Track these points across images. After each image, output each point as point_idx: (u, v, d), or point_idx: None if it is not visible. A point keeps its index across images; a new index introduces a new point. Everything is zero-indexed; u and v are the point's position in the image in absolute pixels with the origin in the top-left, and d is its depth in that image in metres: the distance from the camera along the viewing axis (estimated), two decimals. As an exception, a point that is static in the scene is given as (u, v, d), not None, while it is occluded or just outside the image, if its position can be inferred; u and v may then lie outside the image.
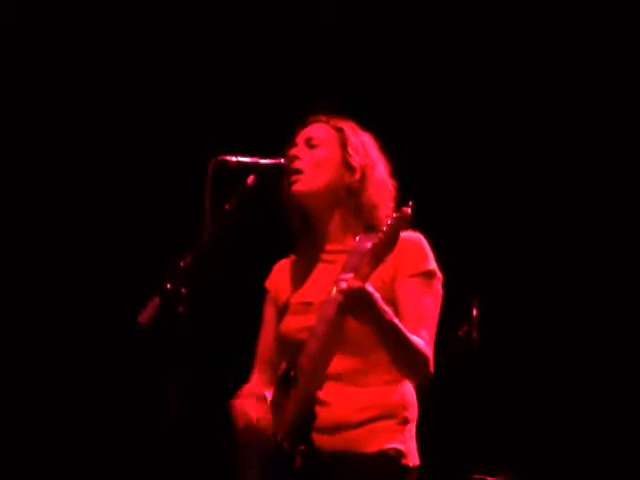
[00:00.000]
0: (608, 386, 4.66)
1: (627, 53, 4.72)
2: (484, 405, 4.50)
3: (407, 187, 2.97)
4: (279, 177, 2.88)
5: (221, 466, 2.89)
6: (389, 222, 2.53)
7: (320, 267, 2.91)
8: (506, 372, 4.67)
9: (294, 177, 2.87)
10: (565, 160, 4.80)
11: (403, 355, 2.68)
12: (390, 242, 2.53)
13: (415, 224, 2.84)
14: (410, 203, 2.55)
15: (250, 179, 2.79)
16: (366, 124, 3.04)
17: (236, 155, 2.78)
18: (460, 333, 4.22)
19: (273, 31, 4.93)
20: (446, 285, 2.88)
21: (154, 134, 4.99)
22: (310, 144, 2.92)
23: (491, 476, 4.22)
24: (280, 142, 2.99)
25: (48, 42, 5.03)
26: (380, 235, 2.54)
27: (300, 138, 2.95)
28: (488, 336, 4.35)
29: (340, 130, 2.94)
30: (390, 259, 2.66)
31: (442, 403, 4.46)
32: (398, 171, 3.00)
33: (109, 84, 5.05)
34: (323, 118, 2.98)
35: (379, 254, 2.54)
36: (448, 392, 4.46)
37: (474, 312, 4.25)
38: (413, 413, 2.84)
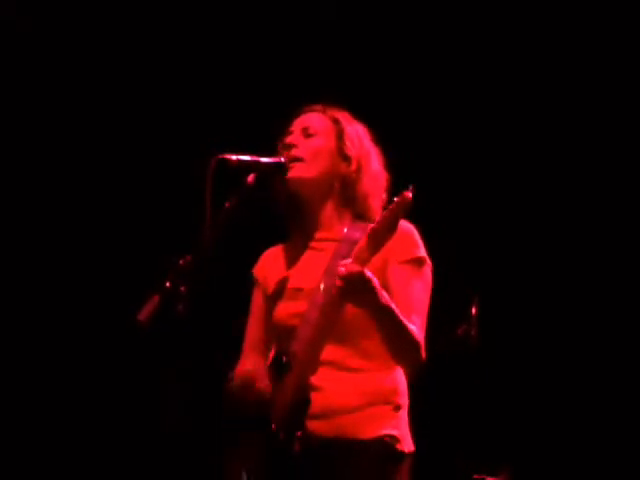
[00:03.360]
0: (607, 386, 4.66)
1: (627, 53, 4.72)
2: (483, 404, 4.50)
3: (406, 186, 2.97)
4: (279, 175, 2.89)
5: (219, 466, 2.88)
6: (390, 206, 2.53)
7: (309, 254, 2.93)
8: (505, 371, 4.67)
9: (291, 164, 2.88)
10: (564, 159, 4.81)
11: (398, 339, 2.68)
12: (390, 227, 2.54)
13: (415, 223, 2.87)
14: (410, 187, 2.54)
15: (250, 177, 2.80)
16: (366, 123, 3.05)
17: (236, 153, 2.78)
18: (459, 332, 4.22)
19: (274, 30, 4.93)
20: (446, 284, 2.88)
21: (154, 133, 4.99)
22: (306, 133, 2.93)
23: (491, 475, 4.22)
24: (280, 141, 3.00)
25: (48, 42, 5.02)
26: (380, 219, 2.54)
27: (296, 126, 2.96)
28: (487, 335, 4.35)
29: (336, 120, 2.96)
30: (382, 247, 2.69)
31: (441, 402, 4.47)
32: (398, 171, 3.00)
33: (109, 84, 5.05)
34: (319, 107, 2.99)
35: (378, 239, 2.55)
36: (447, 391, 4.47)
37: (473, 311, 4.25)
38: (405, 399, 2.85)
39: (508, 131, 4.83)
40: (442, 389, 4.44)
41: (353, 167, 2.91)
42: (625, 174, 4.76)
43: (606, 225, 4.75)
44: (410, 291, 2.77)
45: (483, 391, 4.48)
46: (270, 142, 3.00)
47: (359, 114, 3.04)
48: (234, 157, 2.77)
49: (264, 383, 2.74)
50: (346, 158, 2.92)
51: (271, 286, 2.94)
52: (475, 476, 4.23)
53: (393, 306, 2.64)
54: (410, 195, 2.52)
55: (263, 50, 4.94)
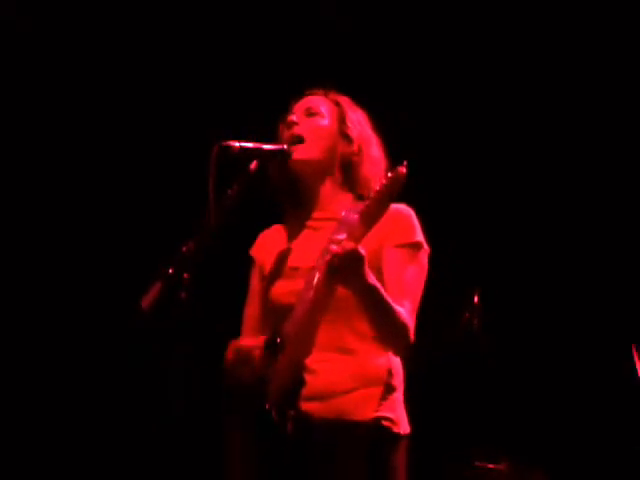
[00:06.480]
0: (608, 372, 4.67)
1: (627, 53, 4.73)
2: (485, 392, 4.51)
3: (410, 176, 2.97)
4: (282, 163, 2.89)
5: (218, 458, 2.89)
6: (383, 182, 2.51)
7: (306, 233, 2.94)
8: (507, 359, 4.68)
9: (293, 146, 2.88)
10: (566, 151, 4.82)
11: (384, 322, 2.68)
12: (384, 203, 2.53)
13: (417, 211, 2.87)
14: (404, 162, 2.53)
15: (253, 164, 2.81)
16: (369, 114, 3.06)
17: (239, 140, 2.78)
18: (462, 320, 4.23)
19: (276, 19, 4.93)
20: (449, 273, 2.88)
21: (157, 121, 4.99)
22: (308, 112, 2.95)
23: (493, 462, 4.24)
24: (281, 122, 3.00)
25: (48, 42, 5.02)
26: (374, 196, 2.53)
27: (298, 107, 2.97)
28: (490, 323, 4.37)
29: (338, 103, 2.98)
30: (378, 229, 2.67)
31: (444, 390, 4.48)
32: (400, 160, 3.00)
33: (109, 81, 5.05)
34: (321, 91, 3.01)
35: (372, 215, 2.54)
36: (450, 379, 4.48)
37: (475, 299, 4.26)
38: (400, 381, 2.85)
39: (509, 126, 4.84)
40: (445, 378, 4.45)
41: (354, 148, 2.92)
42: (625, 166, 4.78)
43: (607, 214, 4.76)
44: (403, 275, 2.77)
45: (485, 379, 4.49)
46: (273, 129, 3.00)
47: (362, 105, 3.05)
48: (237, 144, 2.77)
49: (258, 357, 2.71)
50: (347, 138, 2.93)
51: (268, 266, 2.95)
52: (476, 463, 4.25)
53: (380, 287, 2.64)
54: (404, 170, 2.51)
55: (267, 38, 4.94)
